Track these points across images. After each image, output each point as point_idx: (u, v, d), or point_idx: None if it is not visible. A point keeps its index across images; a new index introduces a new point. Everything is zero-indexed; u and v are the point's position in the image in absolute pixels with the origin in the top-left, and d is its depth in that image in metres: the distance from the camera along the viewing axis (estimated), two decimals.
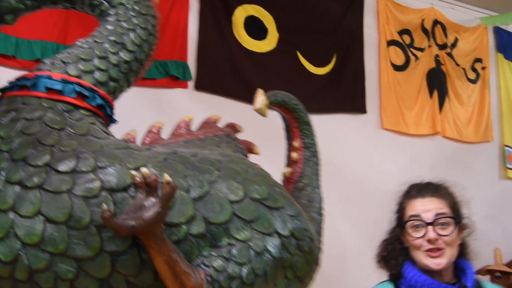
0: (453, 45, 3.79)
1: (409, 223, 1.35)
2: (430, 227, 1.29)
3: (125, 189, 1.28)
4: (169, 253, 1.23)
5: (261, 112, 1.73)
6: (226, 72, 2.81)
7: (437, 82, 3.67)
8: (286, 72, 3.03)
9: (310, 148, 1.93)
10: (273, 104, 1.82)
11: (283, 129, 2.00)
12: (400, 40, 3.55)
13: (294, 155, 1.88)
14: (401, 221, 1.41)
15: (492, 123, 3.91)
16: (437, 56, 3.69)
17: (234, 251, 1.35)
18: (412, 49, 3.58)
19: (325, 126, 3.17)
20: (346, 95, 3.29)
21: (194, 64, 2.76)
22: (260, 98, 1.73)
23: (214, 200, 1.37)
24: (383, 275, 3.26)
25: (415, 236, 1.31)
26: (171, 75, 2.60)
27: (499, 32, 4.09)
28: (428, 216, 1.30)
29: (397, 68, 3.51)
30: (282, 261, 1.43)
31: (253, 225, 1.40)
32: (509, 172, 3.92)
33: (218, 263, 1.32)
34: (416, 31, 3.62)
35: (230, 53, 2.86)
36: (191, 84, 2.72)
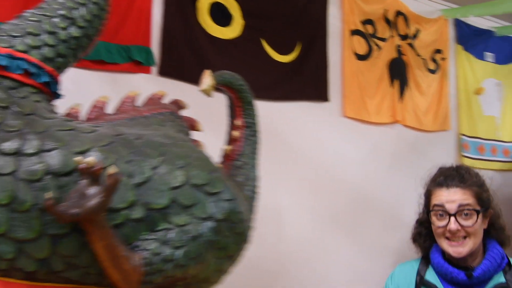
0: (415, 36, 3.87)
1: (433, 212, 1.40)
2: (452, 218, 1.34)
3: (69, 173, 1.29)
4: (109, 238, 1.26)
5: (206, 93, 1.79)
6: (190, 58, 2.80)
7: (398, 71, 3.76)
8: (250, 59, 3.05)
9: (251, 127, 1.98)
10: (220, 84, 1.85)
11: (227, 108, 2.04)
12: (363, 30, 3.61)
13: (236, 133, 1.94)
14: (427, 207, 1.46)
15: (449, 113, 4.04)
16: (399, 46, 3.76)
17: (171, 235, 1.41)
18: (374, 39, 3.64)
19: (289, 113, 3.24)
20: (310, 83, 3.33)
21: (158, 50, 2.74)
22: (206, 79, 1.77)
23: (156, 185, 1.42)
24: (342, 267, 3.31)
25: (438, 225, 1.37)
26: (134, 60, 2.58)
27: (459, 24, 4.20)
28: (452, 207, 1.35)
29: (360, 57, 3.57)
30: (215, 243, 1.50)
31: (191, 210, 1.46)
32: (464, 160, 4.06)
33: (154, 246, 1.38)
34: (379, 22, 3.68)
35: (195, 39, 2.85)
36: (154, 69, 2.70)
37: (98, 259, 1.30)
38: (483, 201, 1.39)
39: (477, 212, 1.35)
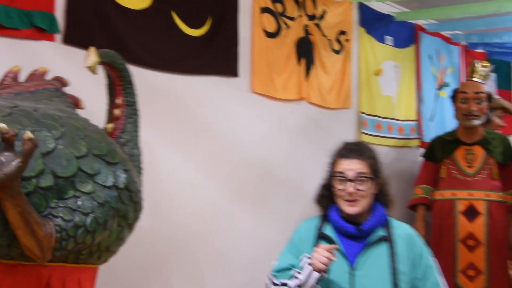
0: (321, 16, 4.02)
1: (336, 177, 1.68)
2: (350, 183, 1.62)
3: None
4: (23, 205, 1.30)
5: (91, 70, 1.86)
6: (97, 26, 2.72)
7: (305, 51, 3.90)
8: (160, 31, 3.02)
9: (132, 106, 2.05)
10: (103, 63, 1.92)
11: (106, 86, 2.08)
12: (273, 8, 3.69)
13: (117, 111, 2.00)
14: (331, 173, 1.74)
15: (351, 92, 4.27)
16: (306, 26, 3.90)
17: (79, 202, 1.51)
18: (283, 18, 3.74)
19: (198, 87, 3.27)
20: (219, 58, 3.36)
21: (63, 17, 2.64)
22: (91, 56, 1.83)
23: (62, 155, 1.51)
24: (248, 239, 3.45)
25: (338, 188, 1.66)
26: (36, 26, 2.47)
27: (362, 7, 4.43)
28: (351, 174, 1.64)
29: (269, 35, 3.66)
30: (118, 211, 1.62)
31: (95, 178, 1.56)
32: (363, 136, 4.34)
33: (65, 213, 1.46)
34: (288, 1, 3.77)
35: (102, 7, 2.76)
36: (59, 37, 2.61)
37: (11, 227, 1.33)
38: (375, 171, 1.69)
39: (370, 179, 1.65)
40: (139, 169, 2.02)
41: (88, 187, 1.53)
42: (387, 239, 1.65)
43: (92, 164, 1.56)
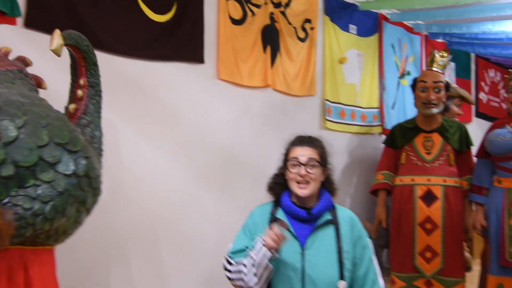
0: (287, 4, 4.06)
1: (289, 162, 1.85)
2: (303, 167, 1.79)
3: None
4: None
5: (56, 52, 1.85)
6: (60, 10, 2.67)
7: (271, 38, 3.93)
8: (125, 16, 2.98)
9: (95, 87, 2.06)
10: (67, 45, 1.91)
11: (70, 67, 2.08)
12: None
13: (79, 92, 2.01)
14: (285, 160, 1.89)
15: (316, 79, 4.34)
16: (272, 13, 3.92)
17: (39, 191, 1.54)
18: (249, 5, 3.75)
19: (164, 73, 3.27)
20: (185, 44, 3.35)
21: (24, 0, 2.59)
22: (56, 39, 1.82)
23: (23, 145, 1.53)
24: (215, 223, 3.47)
25: (292, 172, 1.82)
26: None
27: None
28: (303, 159, 1.82)
29: (235, 22, 3.68)
30: (77, 197, 1.66)
31: (56, 167, 1.59)
32: (327, 123, 4.44)
33: (25, 201, 1.48)
34: None
35: None
36: (20, 20, 2.56)
37: None
38: (324, 159, 1.88)
39: (319, 165, 1.83)
40: (100, 151, 2.03)
41: (48, 176, 1.55)
42: (333, 222, 1.83)
43: (54, 153, 1.57)
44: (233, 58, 3.65)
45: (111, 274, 2.98)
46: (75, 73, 2.05)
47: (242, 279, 1.76)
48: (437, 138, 3.78)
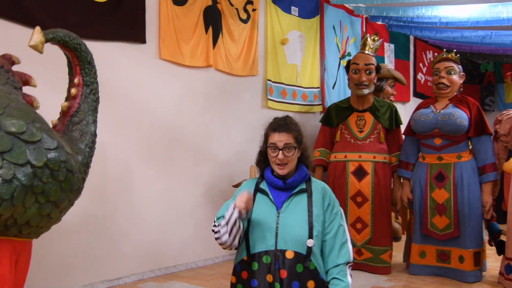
0: None
1: (269, 147, 2.04)
2: (280, 151, 2.00)
3: None
4: None
5: (36, 49, 1.88)
6: None
7: (212, 19, 4.02)
8: None
9: (90, 86, 2.13)
10: (54, 42, 1.95)
11: (67, 65, 2.16)
12: None
13: (73, 91, 2.09)
14: (266, 144, 2.08)
15: (258, 60, 4.47)
16: None
17: None
18: None
19: (105, 53, 3.32)
20: (126, 24, 3.41)
21: None
22: (36, 35, 1.84)
23: None
24: (158, 198, 3.56)
25: (272, 155, 2.04)
26: None
27: None
28: (280, 145, 2.01)
29: (177, 2, 3.74)
30: (32, 187, 1.66)
31: (4, 155, 1.61)
32: (269, 102, 4.60)
33: None
34: None
35: None
36: None
37: None
38: (299, 140, 2.07)
39: (295, 148, 2.03)
40: (88, 148, 2.06)
41: None
42: (307, 190, 2.05)
43: (3, 141, 1.60)
44: (174, 38, 3.72)
45: (48, 250, 3.06)
46: (70, 72, 2.11)
47: (219, 238, 1.97)
48: (369, 117, 4.02)
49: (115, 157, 3.40)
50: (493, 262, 4.01)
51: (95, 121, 2.15)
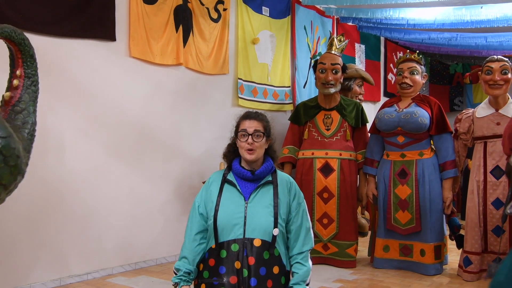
0: None
1: (240, 133, 2.14)
2: (250, 136, 2.11)
3: None
4: None
5: None
6: None
7: (183, 18, 4.07)
8: None
9: (31, 78, 2.26)
10: (1, 37, 2.07)
11: (9, 58, 2.26)
12: None
13: (15, 82, 2.24)
14: (236, 132, 2.18)
15: (228, 58, 4.54)
16: None
17: None
18: None
19: (74, 50, 3.36)
20: (96, 21, 3.44)
21: None
22: None
23: None
24: (127, 194, 3.58)
25: (242, 141, 2.13)
26: None
27: None
28: (251, 130, 2.12)
29: (146, 1, 3.78)
30: None
31: None
32: (240, 101, 4.67)
33: None
34: None
35: None
36: None
37: None
38: (268, 131, 2.20)
39: (263, 135, 2.15)
40: (30, 136, 2.21)
41: None
42: (273, 182, 2.16)
43: None
44: (144, 37, 3.77)
45: (14, 245, 3.08)
46: (13, 64, 2.22)
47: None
48: (335, 116, 4.13)
49: (84, 154, 3.43)
50: (455, 256, 4.15)
51: (35, 111, 2.31)
